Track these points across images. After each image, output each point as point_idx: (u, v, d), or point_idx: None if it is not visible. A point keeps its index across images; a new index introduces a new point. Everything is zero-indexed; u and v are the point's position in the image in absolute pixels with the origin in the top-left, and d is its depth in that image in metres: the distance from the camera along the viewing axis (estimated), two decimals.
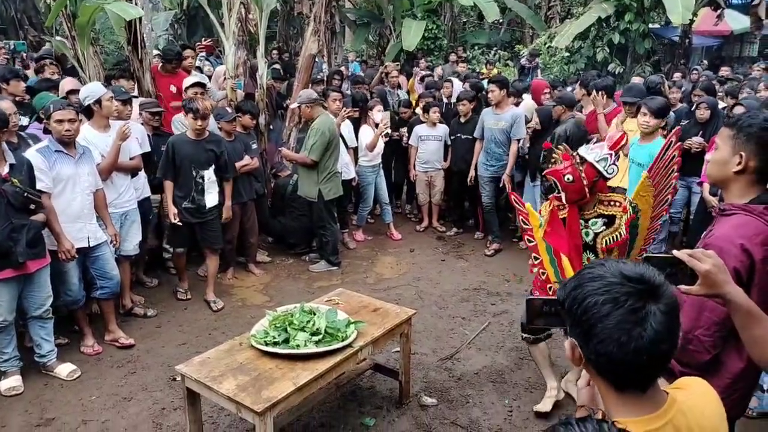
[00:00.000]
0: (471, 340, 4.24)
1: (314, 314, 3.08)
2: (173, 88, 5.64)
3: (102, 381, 3.69)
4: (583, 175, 2.83)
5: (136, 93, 5.31)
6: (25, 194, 3.28)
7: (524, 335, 3.34)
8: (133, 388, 3.60)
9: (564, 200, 2.91)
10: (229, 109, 5.21)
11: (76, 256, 3.68)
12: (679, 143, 2.96)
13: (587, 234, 2.98)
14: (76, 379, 3.68)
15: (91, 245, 3.82)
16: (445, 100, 7.20)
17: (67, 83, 5.01)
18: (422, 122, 6.52)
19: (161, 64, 5.88)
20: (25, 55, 7.39)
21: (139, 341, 4.17)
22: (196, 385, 2.72)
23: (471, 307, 4.82)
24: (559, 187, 2.88)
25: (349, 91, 7.35)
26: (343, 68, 10.12)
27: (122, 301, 4.52)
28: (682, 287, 1.39)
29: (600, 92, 5.46)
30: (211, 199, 4.66)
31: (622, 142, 2.94)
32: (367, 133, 6.15)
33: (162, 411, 3.38)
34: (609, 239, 2.92)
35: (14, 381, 3.54)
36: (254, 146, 5.44)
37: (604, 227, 2.94)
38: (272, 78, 7.31)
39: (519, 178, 6.18)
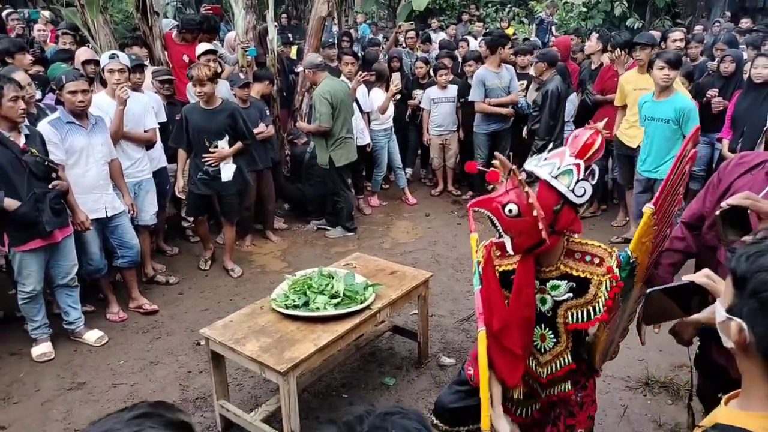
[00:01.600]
0: None
1: (332, 278, 3.12)
2: (186, 58, 5.59)
3: (129, 346, 3.80)
4: (534, 202, 1.61)
5: (147, 62, 5.28)
6: (46, 163, 3.32)
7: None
8: (159, 353, 3.71)
9: (509, 248, 1.71)
10: (242, 75, 5.17)
11: (91, 227, 3.72)
12: (694, 150, 2.02)
13: (544, 302, 1.83)
14: (104, 344, 3.80)
15: (108, 215, 3.88)
16: (461, 60, 7.07)
17: (82, 53, 5.00)
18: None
19: (179, 33, 5.79)
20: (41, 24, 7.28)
21: (162, 308, 4.27)
22: (220, 347, 2.79)
23: None
24: (499, 228, 1.69)
25: (360, 54, 7.24)
26: (352, 30, 9.95)
27: (144, 269, 4.62)
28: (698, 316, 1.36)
29: (621, 49, 5.32)
30: (226, 171, 4.56)
31: (594, 147, 1.70)
32: (378, 95, 6.09)
33: (188, 374, 3.48)
34: (576, 315, 1.78)
35: (45, 347, 3.66)
36: (268, 113, 5.42)
37: (571, 294, 1.78)
38: (282, 43, 7.22)
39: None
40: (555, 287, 1.81)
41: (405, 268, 3.50)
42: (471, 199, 6.40)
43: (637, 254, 1.77)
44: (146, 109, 4.39)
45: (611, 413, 3.03)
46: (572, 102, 5.82)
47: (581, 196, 1.66)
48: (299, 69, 6.62)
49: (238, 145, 4.56)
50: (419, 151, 7.27)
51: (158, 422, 0.74)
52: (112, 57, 4.16)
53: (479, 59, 6.16)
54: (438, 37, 9.32)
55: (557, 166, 1.67)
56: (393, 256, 5.00)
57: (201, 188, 4.58)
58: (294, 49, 7.72)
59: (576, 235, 1.81)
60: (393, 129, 6.38)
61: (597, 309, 1.75)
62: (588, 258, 1.78)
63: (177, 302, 4.40)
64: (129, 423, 0.73)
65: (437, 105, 6.38)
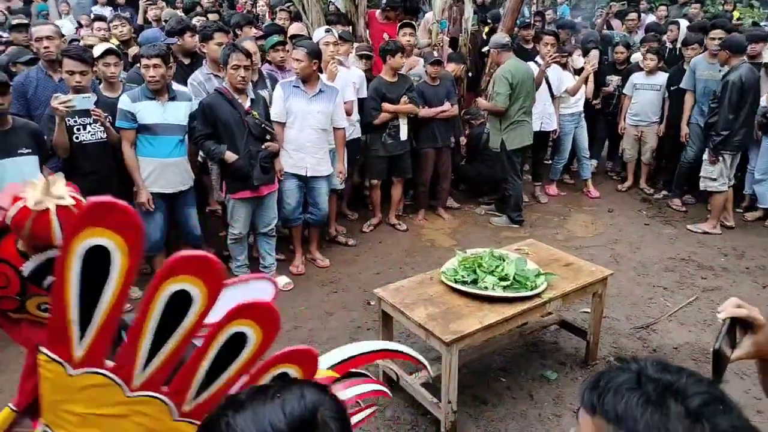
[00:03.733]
0: (673, 313, 3.88)
1: (503, 260, 3.10)
2: (386, 36, 5.87)
3: (310, 295, 4.21)
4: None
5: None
6: (263, 125, 3.79)
7: None
8: (335, 305, 4.06)
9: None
10: (435, 53, 5.29)
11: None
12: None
13: None
14: (290, 290, 4.26)
15: (308, 175, 4.29)
16: (668, 45, 6.38)
17: (293, 28, 5.55)
18: (640, 69, 5.89)
19: (382, 11, 6.10)
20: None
21: (340, 266, 4.65)
22: (390, 309, 2.96)
23: (676, 278, 4.38)
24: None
25: None
26: (550, 12, 9.52)
27: (328, 229, 5.05)
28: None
29: None
30: (403, 132, 5.02)
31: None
32: (566, 77, 5.78)
33: (357, 329, 3.76)
34: None
35: None
36: (455, 93, 5.48)
37: None
38: (477, 23, 7.19)
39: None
40: None
41: (582, 262, 3.33)
42: (664, 199, 5.89)
43: None
44: (346, 83, 4.73)
45: None
46: None
47: None
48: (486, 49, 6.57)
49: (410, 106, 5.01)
50: (607, 142, 6.77)
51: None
52: (327, 31, 4.55)
53: (701, 43, 5.48)
54: (647, 19, 8.48)
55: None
56: (567, 249, 4.75)
57: (383, 151, 5.02)
58: (486, 28, 7.64)
59: None
60: (582, 115, 6.02)
61: None
62: None
63: (353, 263, 4.74)
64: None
65: (639, 92, 5.86)
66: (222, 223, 4.75)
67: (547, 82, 5.63)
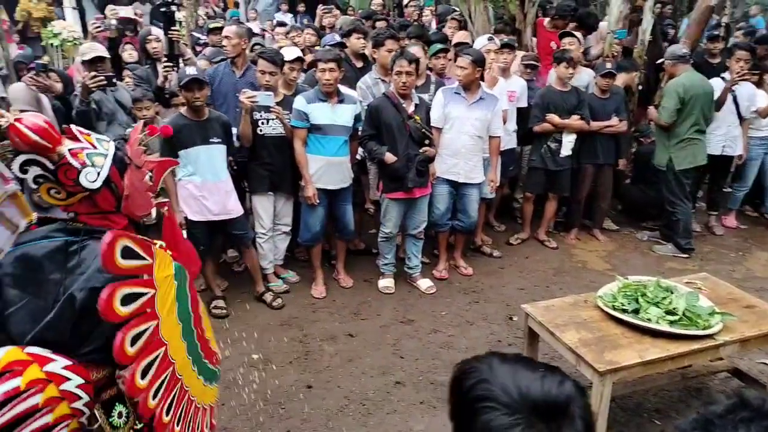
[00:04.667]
0: None
1: (672, 292, 2.82)
2: (553, 44, 5.69)
3: (451, 301, 4.21)
4: None
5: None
6: (423, 130, 3.88)
7: None
8: (475, 316, 4.01)
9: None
10: (608, 65, 4.99)
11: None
12: None
13: None
14: (432, 294, 4.30)
15: (460, 182, 4.30)
16: None
17: (458, 36, 5.59)
18: None
19: (551, 20, 5.94)
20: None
21: (483, 276, 4.59)
22: (538, 327, 2.85)
23: None
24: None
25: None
26: (742, 24, 8.50)
27: (474, 237, 5.01)
28: None
29: None
30: (566, 148, 4.82)
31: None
32: (760, 97, 5.10)
33: (498, 343, 3.68)
34: None
35: (388, 282, 4.36)
36: (624, 107, 5.13)
37: None
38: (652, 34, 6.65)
39: None
40: None
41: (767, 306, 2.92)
42: None
43: None
44: (503, 91, 4.66)
45: None
46: None
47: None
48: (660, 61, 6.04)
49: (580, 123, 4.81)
50: None
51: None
52: (490, 39, 4.53)
53: None
54: None
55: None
56: (744, 289, 4.20)
57: (540, 163, 4.88)
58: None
59: None
60: None
61: None
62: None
63: (496, 275, 4.65)
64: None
65: None
66: (373, 221, 4.96)
67: (735, 102, 5.04)
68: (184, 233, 3.78)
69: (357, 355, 3.54)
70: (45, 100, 3.77)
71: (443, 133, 4.21)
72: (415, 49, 4.25)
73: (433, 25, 7.29)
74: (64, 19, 7.93)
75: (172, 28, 4.37)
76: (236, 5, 10.26)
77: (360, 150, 4.34)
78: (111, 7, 5.59)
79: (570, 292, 3.92)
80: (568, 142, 4.81)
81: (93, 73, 3.71)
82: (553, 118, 4.74)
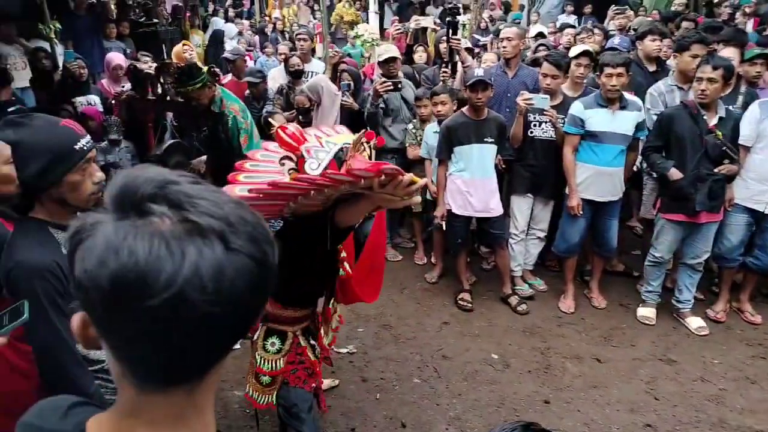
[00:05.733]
0: None
1: None
2: None
3: (727, 350, 3.58)
4: None
5: None
6: (724, 147, 3.35)
7: None
8: (760, 374, 3.33)
9: None
10: None
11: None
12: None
13: None
14: (703, 336, 3.71)
15: (765, 212, 3.60)
16: None
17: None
18: None
19: None
20: None
21: None
22: None
23: None
24: None
25: None
26: None
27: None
28: None
29: None
30: None
31: None
32: None
33: None
34: None
35: (650, 312, 3.91)
36: None
37: None
38: None
39: None
40: None
41: None
42: None
43: None
44: None
45: None
46: None
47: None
48: None
49: None
50: None
51: None
52: None
53: None
54: None
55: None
56: None
57: None
58: None
59: None
60: None
61: None
62: None
63: None
64: None
65: None
66: (640, 241, 4.51)
67: None
68: (443, 225, 4.02)
69: (603, 383, 3.27)
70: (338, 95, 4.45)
71: (752, 153, 3.56)
72: (729, 52, 3.67)
73: (749, 27, 6.24)
74: (367, 23, 9.08)
75: (453, 36, 4.62)
76: (521, 8, 10.32)
77: (637, 161, 3.96)
78: (415, 18, 6.29)
79: None
80: None
81: (383, 80, 4.15)
82: None
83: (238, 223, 0.60)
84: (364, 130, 1.97)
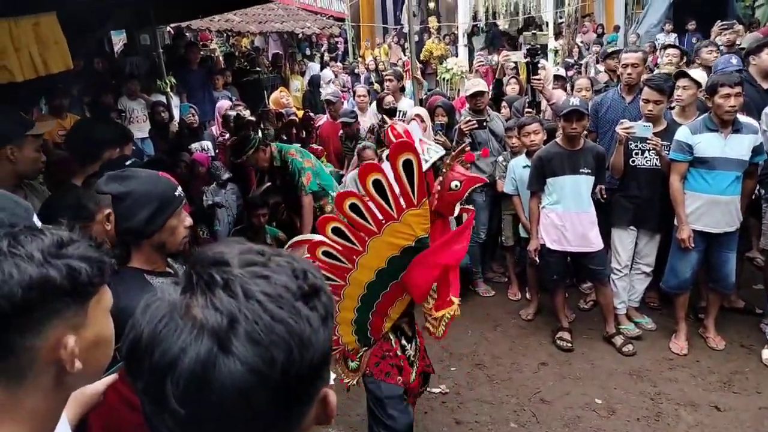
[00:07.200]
0: None
1: None
2: None
3: None
4: None
5: None
6: None
7: None
8: None
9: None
10: None
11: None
12: None
13: None
14: None
15: None
16: None
17: None
18: None
19: None
20: None
21: None
22: None
23: None
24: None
25: None
26: None
27: None
28: None
29: None
30: None
31: None
32: None
33: None
34: None
35: None
36: None
37: None
38: None
39: None
40: None
41: None
42: None
43: None
44: None
45: None
46: None
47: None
48: None
49: None
50: None
51: None
52: None
53: None
54: None
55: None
56: None
57: None
58: None
59: None
60: None
61: None
62: None
63: None
64: None
65: None
66: (762, 276, 4.08)
67: None
68: (537, 260, 3.88)
69: None
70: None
71: None
72: None
73: None
74: (456, 56, 9.17)
75: (534, 77, 4.55)
76: (615, 29, 9.94)
77: (756, 188, 3.62)
78: (504, 53, 6.39)
79: None
80: None
81: (468, 119, 4.14)
82: None
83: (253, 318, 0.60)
84: (467, 141, 2.20)
